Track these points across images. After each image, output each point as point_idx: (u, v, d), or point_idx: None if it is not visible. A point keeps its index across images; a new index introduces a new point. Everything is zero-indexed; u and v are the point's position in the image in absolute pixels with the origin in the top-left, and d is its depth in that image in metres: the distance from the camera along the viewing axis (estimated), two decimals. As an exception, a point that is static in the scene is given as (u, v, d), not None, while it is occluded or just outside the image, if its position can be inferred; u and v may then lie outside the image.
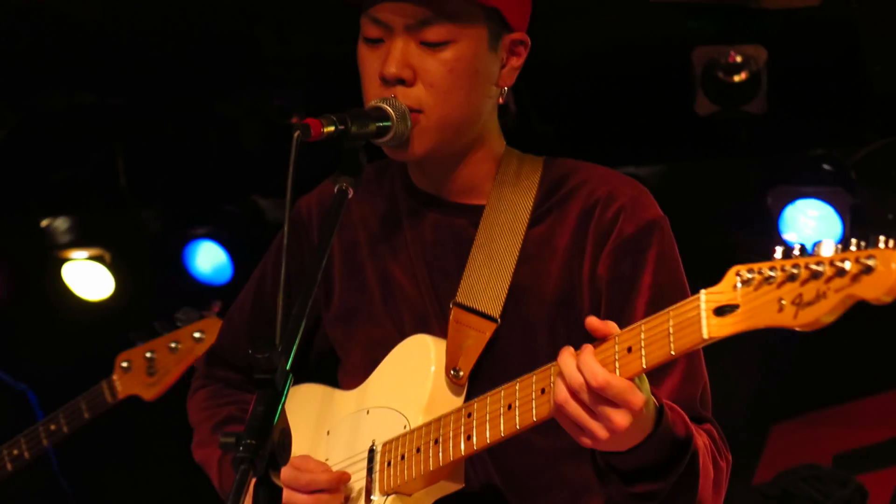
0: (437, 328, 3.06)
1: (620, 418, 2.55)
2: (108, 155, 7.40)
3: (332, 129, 2.78)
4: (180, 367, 5.25)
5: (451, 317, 3.02)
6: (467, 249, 3.08)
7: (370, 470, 3.03)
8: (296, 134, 2.70)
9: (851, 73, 6.35)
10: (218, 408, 3.40)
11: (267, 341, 2.45)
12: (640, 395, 2.56)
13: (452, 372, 2.99)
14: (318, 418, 3.20)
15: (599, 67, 6.58)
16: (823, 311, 2.27)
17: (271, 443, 2.38)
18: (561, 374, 2.60)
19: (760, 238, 6.76)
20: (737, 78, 6.28)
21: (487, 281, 3.03)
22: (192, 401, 3.50)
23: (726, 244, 7.05)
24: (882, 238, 2.24)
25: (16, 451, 5.55)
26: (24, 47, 6.64)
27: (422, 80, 2.95)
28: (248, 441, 2.35)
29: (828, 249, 2.28)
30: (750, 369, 6.89)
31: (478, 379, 2.99)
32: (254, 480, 2.39)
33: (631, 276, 2.97)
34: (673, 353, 2.48)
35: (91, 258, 7.67)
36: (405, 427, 2.99)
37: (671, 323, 2.48)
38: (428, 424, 2.93)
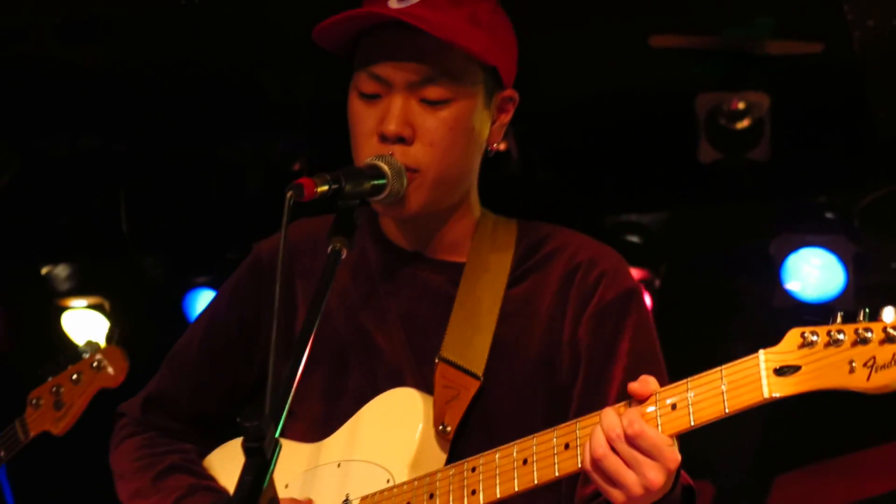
0: (413, 382, 3.03)
1: (656, 474, 2.56)
2: (110, 201, 7.39)
3: (325, 188, 2.74)
4: (84, 398, 5.16)
5: (436, 372, 3.00)
6: (447, 306, 3.06)
7: None
8: (288, 194, 2.65)
9: (855, 120, 6.36)
10: (157, 456, 3.25)
11: (255, 409, 2.41)
12: (677, 454, 2.58)
13: (441, 427, 2.96)
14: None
15: (602, 114, 6.59)
16: None
17: None
18: (601, 426, 2.60)
19: (763, 285, 6.75)
20: (740, 125, 6.29)
21: (470, 338, 3.02)
22: (121, 448, 3.33)
23: (729, 291, 7.03)
24: None
25: None
26: (28, 93, 6.66)
27: (420, 138, 2.94)
28: None
29: (889, 316, 2.36)
30: (753, 420, 6.85)
31: (463, 435, 2.98)
32: None
33: (610, 342, 3.01)
34: (727, 410, 2.52)
35: (90, 306, 7.64)
36: (388, 481, 2.94)
37: (724, 381, 2.51)
38: (420, 479, 2.90)
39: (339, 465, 3.03)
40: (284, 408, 2.47)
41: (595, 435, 2.60)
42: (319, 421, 3.12)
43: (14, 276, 7.81)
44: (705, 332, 7.01)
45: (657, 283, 6.95)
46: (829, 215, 6.58)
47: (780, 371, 2.45)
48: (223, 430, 3.31)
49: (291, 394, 2.50)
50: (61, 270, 7.99)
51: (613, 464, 2.57)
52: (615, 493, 2.60)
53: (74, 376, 5.17)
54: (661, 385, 2.93)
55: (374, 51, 2.95)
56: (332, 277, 2.70)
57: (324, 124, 6.65)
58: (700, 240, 6.84)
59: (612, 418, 2.59)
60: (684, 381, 2.59)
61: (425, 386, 3.01)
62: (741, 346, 7.37)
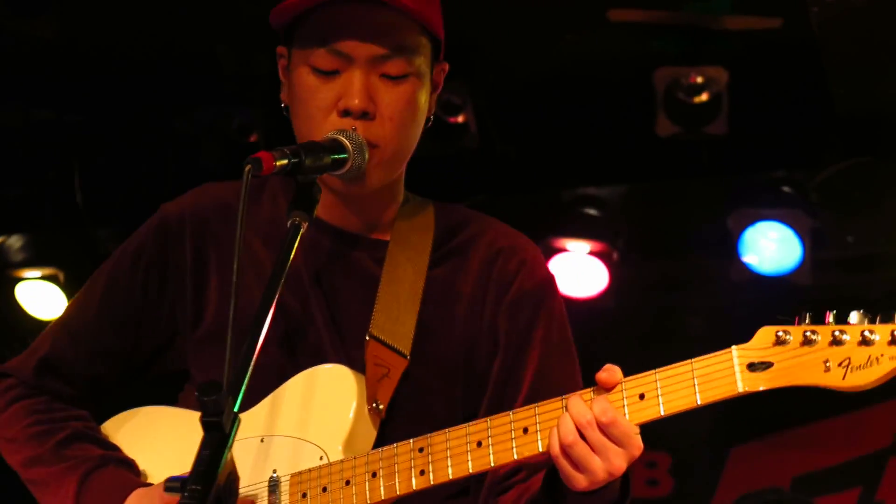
0: (336, 359, 3.02)
1: (620, 461, 2.62)
2: (64, 172, 7.33)
3: (284, 161, 2.70)
4: None
5: (367, 350, 2.99)
6: (371, 283, 3.05)
7: (275, 501, 2.94)
8: (247, 168, 2.61)
9: (812, 96, 6.37)
10: (57, 423, 3.12)
11: (213, 383, 2.37)
12: (641, 443, 2.64)
13: (374, 405, 2.95)
14: (183, 443, 2.94)
15: (560, 88, 6.58)
16: (876, 376, 2.50)
17: (218, 487, 2.31)
18: (569, 413, 2.64)
19: (721, 259, 6.77)
20: (698, 99, 6.30)
21: (397, 317, 3.03)
22: (9, 410, 3.18)
23: (686, 265, 7.06)
24: None
25: None
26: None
27: (381, 113, 2.93)
28: (194, 487, 2.28)
29: (855, 318, 2.51)
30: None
31: (392, 413, 2.97)
32: None
33: (526, 330, 3.06)
34: (699, 402, 2.61)
35: (44, 277, 7.58)
36: (322, 458, 2.92)
37: (695, 374, 2.60)
38: (361, 457, 2.88)
39: (262, 440, 3.00)
40: (243, 383, 2.45)
41: (563, 421, 2.64)
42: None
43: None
44: (662, 305, 7.04)
45: (615, 256, 6.96)
46: (786, 190, 6.60)
47: (753, 367, 2.56)
48: (115, 395, 3.24)
49: (250, 370, 2.48)
50: (15, 241, 7.92)
51: (582, 450, 2.61)
52: (580, 478, 2.64)
53: None
54: (569, 377, 3.04)
55: (332, 26, 2.92)
56: (292, 252, 2.66)
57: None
58: (658, 213, 6.85)
59: (580, 405, 2.63)
60: (652, 372, 2.65)
61: (349, 363, 3.00)
62: (698, 319, 7.45)
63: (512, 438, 2.74)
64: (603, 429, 2.61)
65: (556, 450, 2.65)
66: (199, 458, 2.33)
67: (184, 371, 3.17)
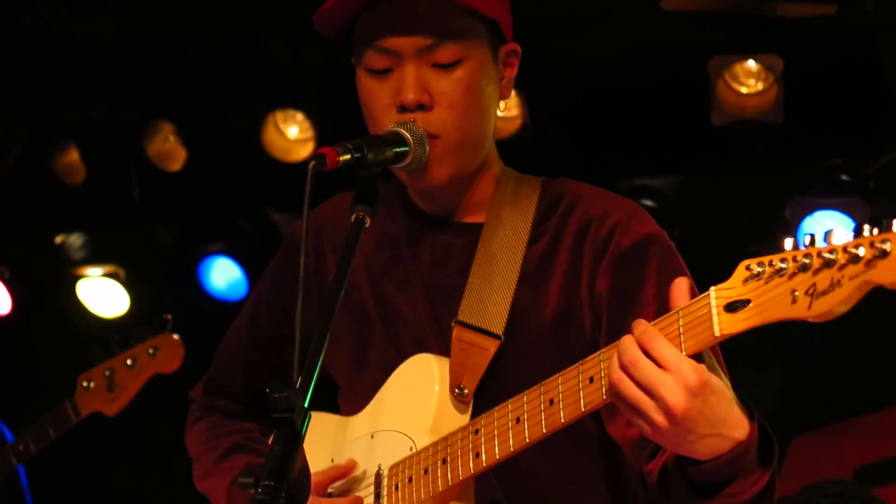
0: (437, 348, 3.02)
1: (675, 397, 2.41)
2: (121, 170, 7.41)
3: (347, 157, 2.71)
4: (138, 382, 5.43)
5: (453, 335, 2.98)
6: (465, 267, 3.04)
7: (377, 495, 2.99)
8: (311, 164, 2.63)
9: (869, 82, 6.32)
10: (220, 438, 3.34)
11: (284, 380, 2.41)
12: (695, 373, 2.42)
13: (457, 390, 2.94)
14: (320, 446, 3.13)
15: (614, 78, 6.57)
16: (838, 300, 2.21)
17: (289, 482, 2.34)
18: (617, 353, 2.49)
19: (778, 250, 6.72)
20: (753, 88, 6.26)
21: (489, 298, 2.99)
22: (191, 433, 3.43)
23: (743, 256, 7.00)
24: None
25: None
26: (37, 64, 6.67)
27: (439, 102, 2.92)
28: (267, 482, 2.31)
29: (840, 237, 2.23)
30: (770, 381, 6.86)
31: (483, 396, 2.94)
32: None
33: (633, 289, 2.92)
34: (685, 352, 2.42)
35: (105, 275, 7.67)
36: (411, 449, 2.95)
37: (681, 322, 2.43)
38: (434, 444, 2.89)
39: (372, 437, 3.06)
40: (313, 378, 2.47)
41: (612, 360, 2.50)
42: (352, 393, 3.15)
43: (28, 246, 7.84)
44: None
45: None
46: (843, 178, 6.55)
47: (731, 307, 2.34)
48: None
49: (319, 364, 2.49)
50: (75, 239, 8.02)
51: (629, 387, 2.46)
52: (641, 424, 2.47)
53: (129, 361, 5.40)
54: None
55: (376, 25, 2.92)
56: (356, 247, 2.68)
57: (333, 92, 6.68)
58: (714, 203, 6.81)
59: (626, 340, 2.49)
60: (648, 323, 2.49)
61: (448, 351, 2.99)
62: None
63: (541, 412, 2.64)
64: (644, 347, 2.44)
65: (611, 395, 2.52)
66: (272, 454, 2.36)
67: (329, 375, 3.24)
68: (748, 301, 2.32)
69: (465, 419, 2.93)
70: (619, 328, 2.82)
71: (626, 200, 3.07)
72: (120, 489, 7.66)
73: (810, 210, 6.54)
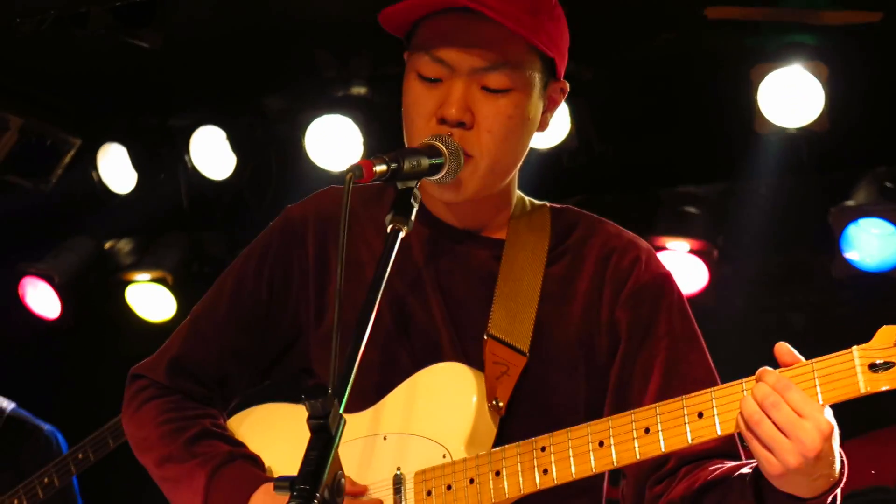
0: (453, 355, 3.06)
1: (811, 438, 2.55)
2: (170, 176, 7.47)
3: (384, 168, 2.74)
4: None
5: (485, 349, 3.03)
6: (488, 281, 3.09)
7: (399, 499, 2.99)
8: (348, 176, 2.66)
9: (913, 89, 6.31)
10: (187, 420, 3.19)
11: (319, 386, 2.45)
12: (828, 420, 2.58)
13: (494, 402, 2.99)
14: (301, 440, 2.92)
15: (659, 86, 6.58)
16: None
17: (325, 487, 2.38)
18: (753, 395, 2.61)
19: (822, 256, 6.72)
20: (797, 95, 6.25)
21: (515, 315, 3.05)
22: (143, 410, 3.24)
23: (787, 262, 7.01)
24: None
25: (46, 480, 6.01)
26: (87, 74, 6.75)
27: (479, 124, 2.95)
28: (303, 486, 2.35)
29: None
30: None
31: (511, 411, 3.00)
32: None
33: (648, 321, 3.06)
34: (821, 402, 2.58)
35: (153, 280, 7.74)
36: (444, 457, 2.96)
37: (816, 374, 2.59)
38: (484, 455, 2.91)
39: (385, 438, 3.05)
40: (348, 385, 2.50)
41: (747, 401, 2.61)
42: (359, 393, 3.09)
43: (77, 252, 7.92)
44: (763, 302, 7.00)
45: (715, 254, 6.94)
46: (888, 185, 6.53)
47: (874, 367, 2.54)
48: (242, 391, 3.31)
49: (354, 371, 2.53)
50: (124, 245, 8.10)
51: (768, 428, 2.57)
52: (772, 460, 2.59)
53: None
54: (701, 367, 3.03)
55: (437, 34, 2.96)
56: (391, 257, 2.71)
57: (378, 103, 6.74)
58: (757, 211, 6.81)
59: (763, 387, 2.60)
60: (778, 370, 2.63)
61: (466, 361, 3.03)
62: (800, 316, 7.37)
63: (634, 438, 2.74)
64: (781, 393, 2.56)
65: (742, 428, 2.62)
66: (307, 459, 2.38)
67: (308, 369, 3.23)
68: (892, 364, 2.54)
69: (494, 432, 2.98)
70: (633, 358, 3.03)
71: (641, 239, 3.20)
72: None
73: (854, 217, 6.52)
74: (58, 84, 7.05)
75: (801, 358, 2.63)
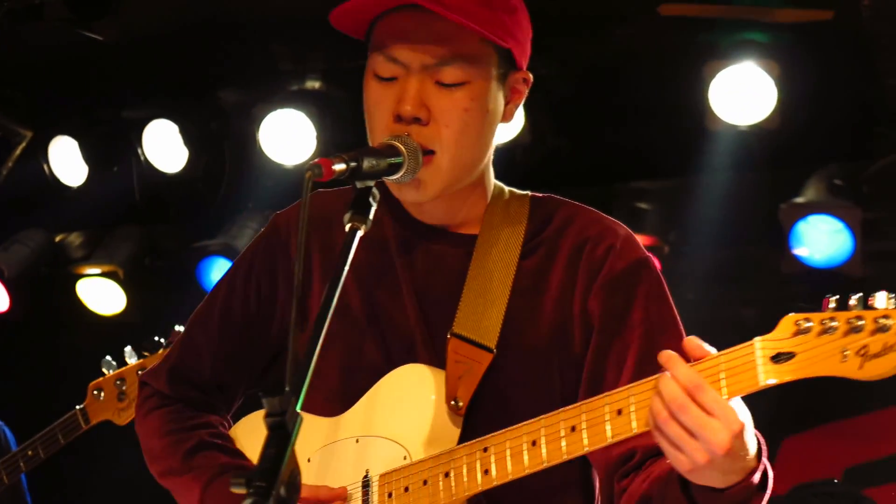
0: (426, 356, 3.06)
1: (720, 437, 2.51)
2: (123, 169, 7.44)
3: (343, 167, 2.75)
4: None
5: (448, 347, 3.03)
6: (460, 279, 3.09)
7: (366, 501, 3.01)
8: (307, 174, 2.67)
9: (864, 87, 6.37)
10: (185, 432, 3.27)
11: (277, 383, 2.44)
12: (737, 416, 2.53)
13: (453, 402, 2.99)
14: (303, 447, 3.00)
15: (612, 82, 6.61)
16: (892, 364, 2.37)
17: (281, 483, 2.38)
18: (660, 394, 2.58)
19: (772, 251, 6.78)
20: (749, 92, 6.30)
21: (483, 311, 3.05)
22: (148, 420, 3.34)
23: (737, 257, 7.07)
24: None
25: None
26: (39, 65, 6.71)
27: (436, 119, 2.96)
28: (259, 484, 2.35)
29: (881, 301, 2.37)
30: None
31: (475, 409, 3.00)
32: None
33: (622, 311, 3.02)
34: (726, 396, 2.52)
35: (104, 274, 7.70)
36: (405, 458, 2.98)
37: (722, 367, 2.53)
38: (436, 457, 2.93)
39: (357, 441, 3.07)
40: (305, 382, 2.50)
41: (655, 400, 2.58)
42: (337, 395, 3.14)
43: (28, 245, 7.87)
44: (714, 297, 7.05)
45: (666, 249, 6.99)
46: (837, 182, 6.59)
47: (776, 358, 2.47)
48: (245, 399, 3.35)
49: (311, 369, 2.53)
50: (74, 238, 8.05)
51: (675, 429, 2.55)
52: (681, 458, 2.57)
53: (140, 371, 5.38)
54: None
55: (389, 33, 2.98)
56: (350, 256, 2.71)
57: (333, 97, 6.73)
58: (709, 206, 6.85)
59: (671, 385, 2.57)
60: (691, 363, 2.58)
61: (438, 359, 3.04)
62: (750, 311, 7.43)
63: (562, 437, 2.73)
64: (692, 395, 2.52)
65: (651, 426, 2.60)
66: (264, 457, 2.38)
67: None
68: (793, 354, 2.46)
69: (457, 432, 2.99)
70: (607, 348, 3.00)
71: (620, 224, 3.16)
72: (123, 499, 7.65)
73: (803, 214, 6.58)
74: (9, 75, 7.00)
75: (713, 350, 2.58)
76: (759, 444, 2.64)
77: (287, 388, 2.44)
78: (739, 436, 2.54)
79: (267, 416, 2.41)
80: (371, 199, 2.79)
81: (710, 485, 2.63)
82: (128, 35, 5.63)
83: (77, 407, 5.53)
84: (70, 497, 7.64)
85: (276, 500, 2.35)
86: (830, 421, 7.17)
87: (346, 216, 2.76)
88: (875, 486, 6.82)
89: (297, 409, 2.44)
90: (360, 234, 2.75)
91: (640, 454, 2.92)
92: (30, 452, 5.76)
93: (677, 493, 2.72)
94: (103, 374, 5.49)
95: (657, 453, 2.79)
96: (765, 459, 2.66)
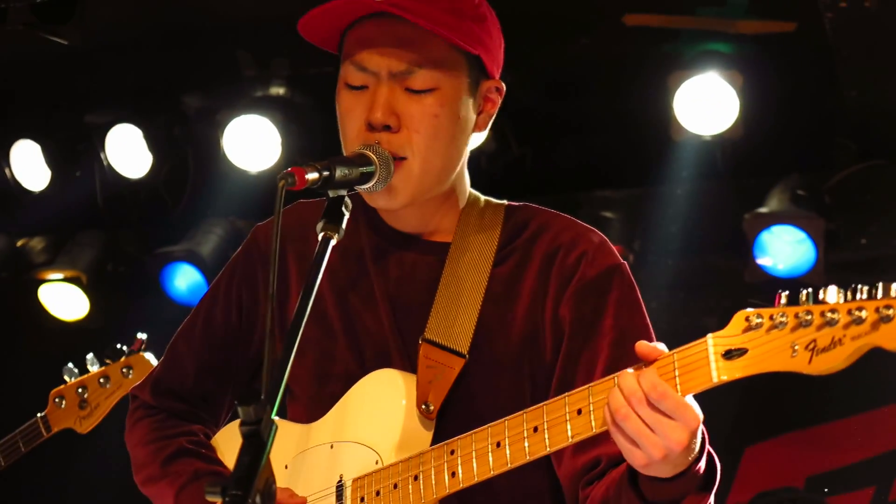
0: (400, 362, 3.08)
1: (678, 434, 2.54)
2: (86, 174, 7.40)
3: (315, 176, 2.76)
4: (111, 400, 5.42)
5: (420, 353, 3.04)
6: (433, 286, 3.10)
7: None
8: (280, 183, 2.69)
9: (826, 99, 6.41)
10: (166, 440, 3.30)
11: (252, 392, 2.46)
12: (696, 414, 2.55)
13: (423, 406, 3.00)
14: (278, 453, 2.99)
15: (576, 91, 6.63)
16: (840, 359, 2.34)
17: (256, 492, 2.39)
18: (619, 390, 2.58)
19: (735, 261, 6.81)
20: (712, 102, 6.33)
21: (455, 317, 3.06)
22: (134, 430, 3.39)
23: (701, 267, 7.09)
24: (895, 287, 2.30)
25: None
26: (5, 72, 6.67)
27: (406, 126, 2.98)
28: (234, 492, 2.36)
29: (832, 296, 2.35)
30: (723, 391, 6.92)
31: (446, 414, 3.01)
32: None
33: (593, 318, 3.03)
34: (680, 393, 2.52)
35: (67, 279, 7.65)
36: (377, 463, 2.99)
37: (676, 365, 2.53)
38: (406, 461, 2.94)
39: (331, 447, 3.08)
40: (279, 390, 2.52)
41: (614, 396, 2.59)
42: (313, 402, 3.16)
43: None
44: (677, 306, 7.08)
45: (630, 258, 7.00)
46: (800, 192, 6.63)
47: (728, 354, 2.46)
48: (229, 409, 3.37)
49: (285, 377, 2.54)
50: (37, 243, 8.00)
51: (635, 424, 2.56)
52: (637, 454, 2.58)
53: (101, 379, 5.40)
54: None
55: (358, 42, 2.99)
56: (322, 264, 2.73)
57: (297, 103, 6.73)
58: (673, 216, 6.88)
59: (630, 382, 2.58)
60: (639, 365, 2.60)
61: (412, 365, 3.05)
62: (713, 321, 7.47)
63: (524, 437, 2.74)
64: (654, 403, 2.53)
65: (608, 422, 2.61)
66: (239, 465, 2.39)
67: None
68: (745, 350, 2.44)
69: (429, 436, 2.99)
70: (577, 354, 3.01)
71: (594, 231, 3.17)
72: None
73: (767, 224, 6.62)
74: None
75: (665, 349, 2.59)
76: (702, 434, 2.65)
77: (262, 397, 2.45)
78: (695, 432, 2.56)
79: (242, 424, 2.42)
80: (343, 209, 2.80)
81: (658, 476, 2.65)
82: (92, 39, 5.59)
83: (38, 415, 5.50)
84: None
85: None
86: (793, 430, 7.20)
87: (319, 225, 2.78)
88: (837, 494, 6.85)
89: (273, 417, 2.45)
90: (332, 242, 2.77)
91: (604, 462, 2.93)
92: None
93: (625, 484, 2.74)
94: (65, 382, 5.46)
95: (621, 460, 2.79)
96: (708, 447, 2.68)
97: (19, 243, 7.98)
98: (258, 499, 2.39)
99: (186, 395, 3.35)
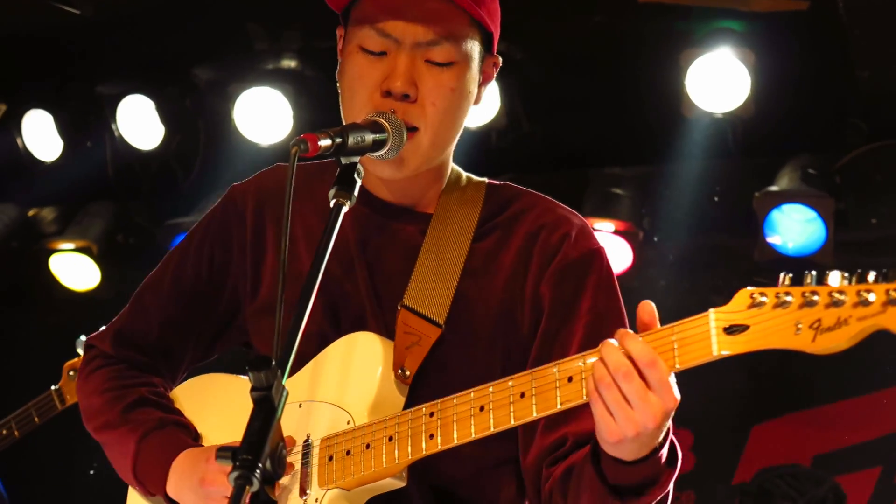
0: (375, 327, 3.08)
1: (654, 411, 2.54)
2: (97, 145, 7.42)
3: (328, 143, 2.75)
4: None
5: (398, 318, 3.05)
6: (413, 255, 3.11)
7: (306, 464, 3.01)
8: (293, 149, 2.69)
9: (838, 78, 6.40)
10: (126, 388, 3.25)
11: (263, 358, 2.47)
12: (674, 396, 2.56)
13: (400, 371, 3.01)
14: (237, 409, 2.98)
15: (589, 68, 6.62)
16: (844, 338, 2.37)
17: (266, 457, 2.40)
18: (603, 361, 2.58)
19: (745, 239, 6.81)
20: (724, 80, 6.32)
21: (434, 287, 3.08)
22: (91, 379, 3.33)
23: (711, 244, 7.10)
24: None
25: None
26: (14, 38, 6.67)
27: (424, 97, 2.98)
28: (245, 456, 2.37)
29: (835, 280, 2.39)
30: (731, 370, 6.93)
31: (420, 381, 3.02)
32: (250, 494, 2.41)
33: (571, 299, 3.05)
34: (678, 366, 2.54)
35: (78, 249, 7.68)
36: (349, 423, 2.98)
37: (675, 338, 2.54)
38: (381, 422, 2.93)
39: (300, 406, 3.07)
40: (290, 357, 2.54)
41: (598, 366, 2.59)
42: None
43: (0, 219, 7.84)
44: (686, 284, 7.09)
45: (640, 235, 7.01)
46: (810, 172, 6.63)
47: (730, 330, 2.47)
48: (188, 366, 3.36)
49: (296, 344, 2.57)
50: (48, 213, 8.02)
51: (616, 396, 2.56)
52: (611, 424, 2.58)
53: None
54: None
55: (382, 8, 2.98)
56: (334, 231, 2.75)
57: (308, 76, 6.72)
58: (683, 193, 6.88)
59: (615, 353, 2.57)
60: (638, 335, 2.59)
61: (387, 332, 3.06)
62: (721, 299, 7.47)
63: (510, 403, 2.74)
64: (642, 369, 2.54)
65: (590, 389, 2.60)
66: (250, 429, 2.41)
67: (249, 343, 3.27)
68: (746, 326, 2.46)
69: (402, 400, 3.00)
70: (553, 333, 3.02)
71: (575, 214, 3.19)
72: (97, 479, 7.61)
73: (777, 203, 6.62)
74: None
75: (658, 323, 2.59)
76: (670, 423, 2.66)
77: (273, 363, 2.47)
78: (669, 414, 2.57)
79: (252, 389, 2.44)
80: (356, 175, 2.81)
81: (621, 457, 2.66)
82: (104, 10, 5.62)
83: (52, 387, 5.51)
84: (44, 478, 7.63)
85: (262, 473, 2.39)
86: (800, 409, 7.22)
87: (332, 192, 2.79)
88: (843, 473, 6.87)
89: (283, 382, 2.47)
90: (345, 209, 2.78)
91: (570, 441, 2.94)
92: (3, 432, 5.73)
93: (588, 464, 2.75)
94: (78, 354, 5.46)
95: (587, 441, 2.82)
96: (672, 436, 2.69)
97: (31, 213, 8.01)
98: (268, 464, 2.42)
99: (148, 348, 3.30)
